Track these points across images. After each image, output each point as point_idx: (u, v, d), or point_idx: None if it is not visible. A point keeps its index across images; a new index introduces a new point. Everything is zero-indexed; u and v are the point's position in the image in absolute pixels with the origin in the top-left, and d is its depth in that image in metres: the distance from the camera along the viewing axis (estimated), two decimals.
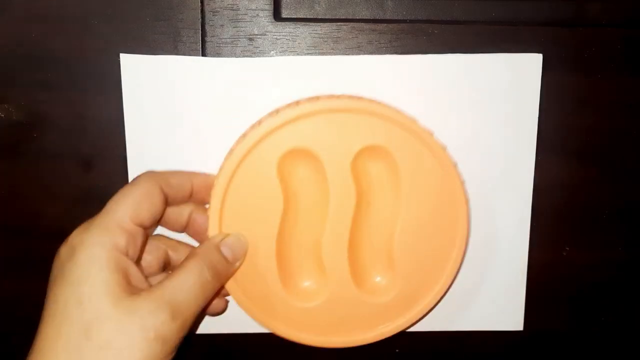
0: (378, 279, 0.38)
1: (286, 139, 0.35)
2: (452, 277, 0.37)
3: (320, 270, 0.37)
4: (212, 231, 0.35)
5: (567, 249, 0.41)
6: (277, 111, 0.36)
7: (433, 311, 0.39)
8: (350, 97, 0.36)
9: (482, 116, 0.38)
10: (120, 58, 0.37)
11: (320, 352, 0.42)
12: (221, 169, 0.35)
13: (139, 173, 0.38)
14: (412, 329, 0.40)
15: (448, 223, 0.36)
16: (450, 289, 0.39)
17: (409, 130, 0.35)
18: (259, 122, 0.36)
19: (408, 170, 0.36)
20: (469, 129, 0.38)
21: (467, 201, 0.36)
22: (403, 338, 0.41)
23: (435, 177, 0.36)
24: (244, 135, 0.36)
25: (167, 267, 0.37)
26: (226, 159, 0.36)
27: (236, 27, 0.38)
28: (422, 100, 0.38)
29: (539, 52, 0.38)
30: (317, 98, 0.36)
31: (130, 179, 0.38)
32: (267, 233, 0.36)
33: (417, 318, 0.38)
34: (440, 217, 0.36)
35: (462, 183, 0.36)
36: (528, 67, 0.38)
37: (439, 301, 0.38)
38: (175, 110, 0.38)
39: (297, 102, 0.36)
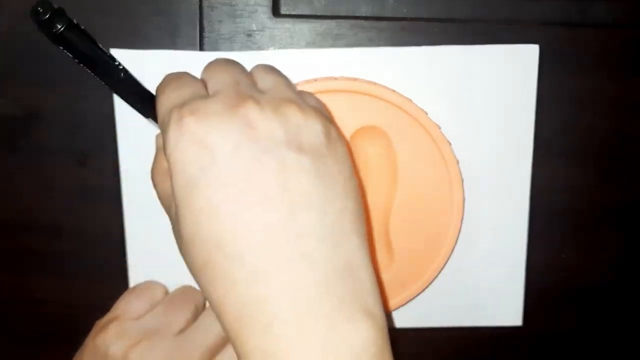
0: (375, 256, 0.39)
1: None
2: (448, 256, 0.38)
3: None
4: None
5: (567, 251, 0.41)
6: None
7: (431, 306, 0.40)
8: (347, 78, 0.37)
9: (478, 109, 0.38)
10: (111, 53, 0.36)
11: None
12: None
13: (129, 170, 0.38)
14: (409, 325, 0.40)
15: (443, 202, 0.37)
16: (448, 285, 0.40)
17: (403, 110, 0.36)
18: None
19: (403, 150, 0.37)
20: (464, 122, 0.38)
21: (461, 180, 0.37)
22: (399, 337, 0.41)
23: (430, 157, 0.37)
24: None
25: None
26: None
27: (234, 22, 0.37)
28: (419, 92, 0.37)
29: (539, 52, 0.37)
30: (314, 80, 0.36)
31: (121, 176, 0.38)
32: None
33: (413, 296, 0.38)
34: (436, 196, 0.37)
35: (457, 162, 0.37)
36: (524, 58, 0.37)
37: (434, 279, 0.38)
38: None
39: (296, 85, 0.36)
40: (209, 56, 0.37)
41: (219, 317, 0.25)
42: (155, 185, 0.28)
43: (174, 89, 0.27)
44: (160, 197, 0.28)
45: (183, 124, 0.25)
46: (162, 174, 0.27)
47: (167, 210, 0.28)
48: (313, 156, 0.25)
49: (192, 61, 0.37)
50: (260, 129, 0.25)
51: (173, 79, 0.28)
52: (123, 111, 0.37)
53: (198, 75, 0.37)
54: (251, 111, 0.25)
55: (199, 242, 0.25)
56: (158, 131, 0.37)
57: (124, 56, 0.36)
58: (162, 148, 0.27)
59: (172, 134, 0.25)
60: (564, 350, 0.43)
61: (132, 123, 0.37)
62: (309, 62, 0.37)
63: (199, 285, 0.26)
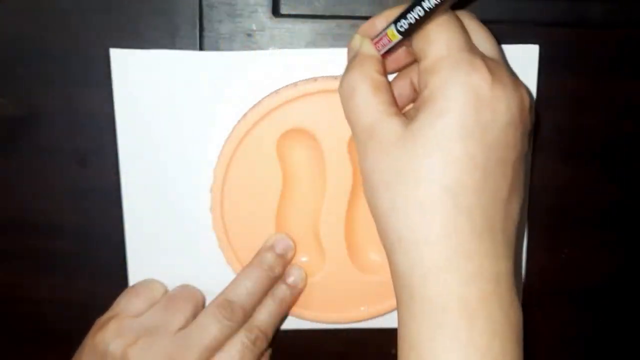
0: (374, 257, 0.39)
1: (285, 119, 0.36)
2: None
3: (317, 247, 0.38)
4: (215, 208, 0.37)
5: (566, 250, 0.41)
6: (276, 92, 0.36)
7: None
8: None
9: None
10: (110, 53, 0.37)
11: (316, 351, 0.42)
12: (222, 147, 0.36)
13: (129, 170, 0.38)
14: None
15: None
16: None
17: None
18: (260, 103, 0.36)
19: None
20: None
21: None
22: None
23: None
24: (244, 116, 0.37)
25: None
26: (227, 138, 0.37)
27: (234, 22, 0.37)
28: None
29: (538, 53, 0.37)
30: (315, 79, 0.36)
31: (121, 176, 0.38)
32: (266, 211, 0.37)
33: None
34: None
35: None
36: (524, 58, 0.37)
37: None
38: (167, 105, 0.37)
39: (296, 84, 0.36)
40: (208, 56, 0.37)
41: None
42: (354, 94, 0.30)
43: None
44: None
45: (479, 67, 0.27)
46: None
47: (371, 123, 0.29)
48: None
49: (192, 61, 0.37)
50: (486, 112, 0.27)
51: None
52: (123, 111, 0.37)
53: (190, 73, 0.37)
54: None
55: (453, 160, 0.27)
56: (158, 134, 0.38)
57: (123, 56, 0.37)
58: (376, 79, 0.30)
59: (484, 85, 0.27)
60: (563, 350, 0.43)
61: (132, 123, 0.37)
62: (309, 61, 0.37)
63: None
